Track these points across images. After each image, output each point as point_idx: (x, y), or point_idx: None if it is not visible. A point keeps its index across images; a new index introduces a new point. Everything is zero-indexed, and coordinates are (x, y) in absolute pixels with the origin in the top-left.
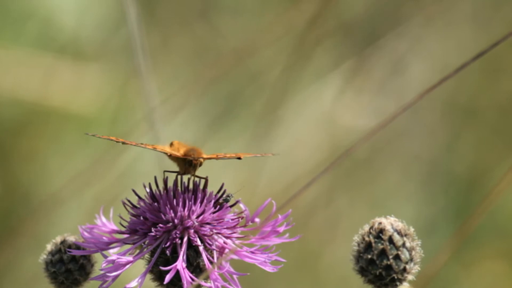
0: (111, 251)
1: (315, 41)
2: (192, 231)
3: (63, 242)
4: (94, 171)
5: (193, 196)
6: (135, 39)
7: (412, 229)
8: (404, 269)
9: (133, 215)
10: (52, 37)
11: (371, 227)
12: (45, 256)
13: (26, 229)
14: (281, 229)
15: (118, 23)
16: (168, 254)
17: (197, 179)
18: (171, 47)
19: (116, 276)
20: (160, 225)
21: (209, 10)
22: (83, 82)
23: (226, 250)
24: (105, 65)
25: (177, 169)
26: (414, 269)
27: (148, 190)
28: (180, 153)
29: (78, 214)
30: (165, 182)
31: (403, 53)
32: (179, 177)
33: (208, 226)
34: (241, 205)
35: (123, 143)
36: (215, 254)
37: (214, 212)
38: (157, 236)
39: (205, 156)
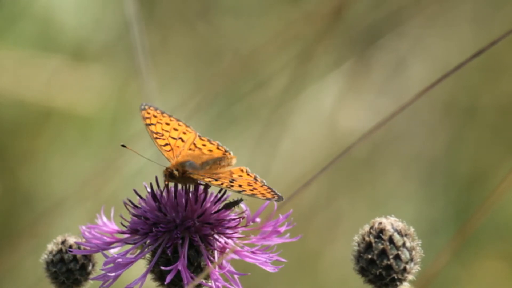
0: (112, 251)
1: (316, 41)
2: (193, 231)
3: (64, 242)
4: (95, 172)
5: (194, 196)
6: (136, 39)
7: (412, 229)
8: (404, 269)
9: (134, 215)
10: (52, 37)
11: (372, 227)
12: (46, 256)
13: (27, 229)
14: (282, 229)
15: (118, 23)
16: (169, 254)
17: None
18: (171, 47)
19: (117, 276)
20: (161, 225)
21: (210, 10)
22: (83, 83)
23: (227, 250)
24: (106, 65)
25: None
26: (414, 269)
27: (149, 190)
28: (176, 160)
29: (79, 215)
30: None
31: (404, 53)
32: None
33: (209, 226)
34: (242, 205)
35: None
36: (216, 254)
37: (215, 212)
38: (158, 236)
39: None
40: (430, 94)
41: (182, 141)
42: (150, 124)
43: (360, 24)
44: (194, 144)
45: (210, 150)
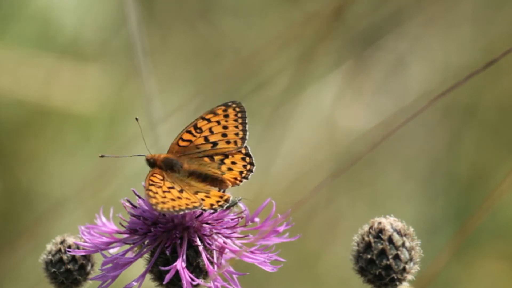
0: (111, 251)
1: (316, 41)
2: (191, 231)
3: (63, 242)
4: (94, 172)
5: None
6: (136, 39)
7: (411, 229)
8: (404, 269)
9: (132, 215)
10: (52, 37)
11: (371, 227)
12: (45, 256)
13: (27, 229)
14: (281, 228)
15: (118, 23)
16: (168, 254)
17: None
18: (171, 47)
19: (116, 276)
20: (160, 225)
21: (210, 10)
22: (83, 82)
23: (226, 250)
24: (106, 65)
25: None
26: (413, 269)
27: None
28: (164, 154)
29: (78, 215)
30: None
31: (404, 54)
32: None
33: (207, 226)
34: (241, 205)
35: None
36: (214, 254)
37: (213, 212)
38: (157, 236)
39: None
40: (430, 95)
41: (213, 146)
42: (205, 119)
43: (360, 24)
44: (225, 154)
45: (231, 169)
